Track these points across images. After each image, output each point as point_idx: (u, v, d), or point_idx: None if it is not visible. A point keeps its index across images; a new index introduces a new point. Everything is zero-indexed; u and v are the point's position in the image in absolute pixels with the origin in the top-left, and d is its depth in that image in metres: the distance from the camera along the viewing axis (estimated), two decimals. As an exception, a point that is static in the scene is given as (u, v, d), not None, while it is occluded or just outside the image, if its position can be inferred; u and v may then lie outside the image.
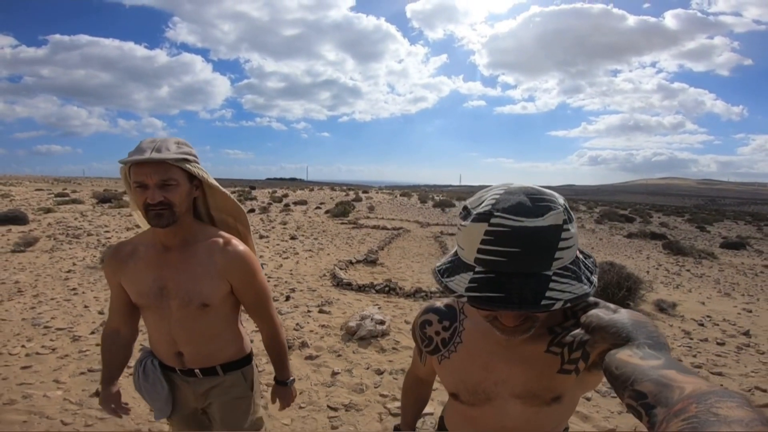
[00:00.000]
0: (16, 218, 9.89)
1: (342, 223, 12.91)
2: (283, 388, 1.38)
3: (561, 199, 0.64)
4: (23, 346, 3.13)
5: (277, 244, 8.47)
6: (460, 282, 0.63)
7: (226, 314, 1.25)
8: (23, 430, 2.15)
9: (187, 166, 1.11)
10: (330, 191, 37.09)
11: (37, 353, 3.01)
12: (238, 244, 1.21)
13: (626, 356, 0.55)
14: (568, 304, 0.59)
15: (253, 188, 36.64)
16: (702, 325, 4.48)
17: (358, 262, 6.87)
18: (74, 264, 5.90)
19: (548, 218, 0.59)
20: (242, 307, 1.30)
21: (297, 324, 3.76)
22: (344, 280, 5.27)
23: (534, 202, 0.61)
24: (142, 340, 2.57)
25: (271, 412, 2.27)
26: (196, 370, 1.25)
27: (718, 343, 3.92)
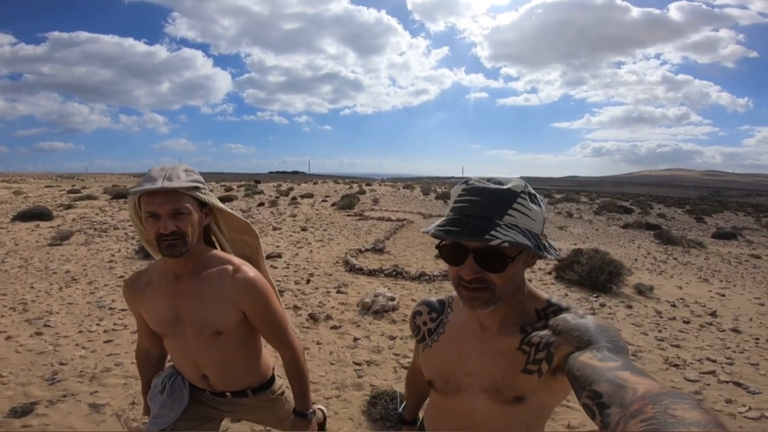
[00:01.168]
0: (42, 214, 10.52)
1: (348, 215, 13.47)
2: (303, 421, 1.28)
3: (531, 190, 0.77)
4: (98, 324, 3.72)
5: (290, 236, 9.06)
6: (432, 227, 0.75)
7: (243, 340, 1.25)
8: (127, 392, 2.77)
9: (198, 194, 1.13)
10: (334, 184, 37.68)
11: (113, 329, 3.61)
12: (249, 271, 1.20)
13: (587, 358, 0.59)
14: (506, 244, 0.67)
15: (258, 182, 37.18)
16: (674, 306, 5.05)
17: (367, 250, 7.47)
18: (113, 255, 6.51)
19: (508, 185, 0.74)
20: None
21: (320, 302, 4.39)
22: (356, 266, 5.89)
23: (505, 179, 0.76)
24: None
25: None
26: (227, 393, 1.29)
27: (684, 322, 4.48)
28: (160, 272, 1.21)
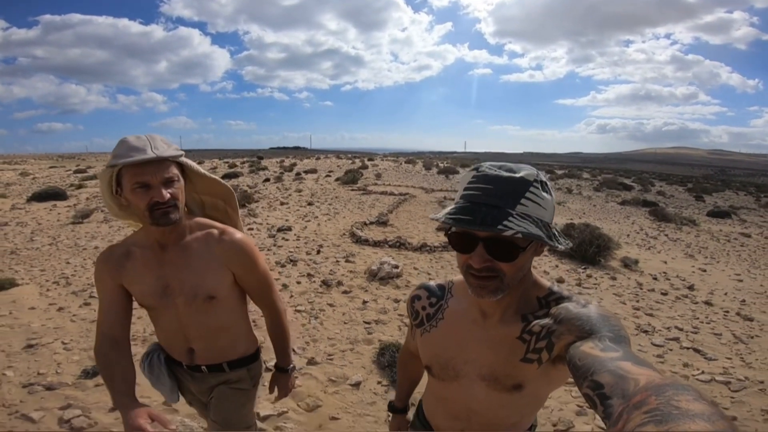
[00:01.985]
0: (57, 194, 10.89)
1: (352, 190, 13.80)
2: (284, 376, 1.40)
3: (544, 177, 0.74)
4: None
5: (297, 210, 9.45)
6: (444, 212, 0.74)
7: (234, 307, 1.26)
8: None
9: (182, 159, 1.13)
10: (336, 159, 37.81)
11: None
12: (234, 233, 1.22)
13: (588, 348, 0.59)
14: (519, 235, 0.66)
15: (261, 158, 37.31)
16: (656, 279, 5.46)
17: (372, 223, 7.86)
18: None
19: (521, 173, 0.71)
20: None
21: (330, 270, 4.82)
22: (362, 237, 6.31)
23: (518, 166, 0.73)
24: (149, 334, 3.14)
25: (323, 324, 3.28)
26: (203, 367, 1.27)
27: (662, 293, 4.88)
28: (141, 244, 1.18)
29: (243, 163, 29.17)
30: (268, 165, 26.73)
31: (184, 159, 1.13)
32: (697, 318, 4.20)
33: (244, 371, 1.31)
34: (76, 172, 21.72)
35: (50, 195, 10.75)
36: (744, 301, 4.85)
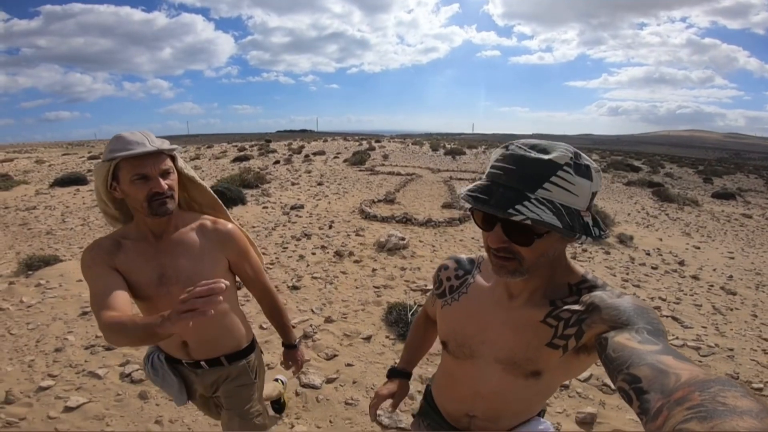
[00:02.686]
0: (78, 179, 11.21)
1: (360, 171, 14.07)
2: (293, 351, 1.50)
3: (585, 160, 0.69)
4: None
5: (308, 189, 9.79)
6: (464, 190, 0.72)
7: (228, 295, 1.26)
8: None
9: (176, 154, 1.19)
10: (343, 141, 37.95)
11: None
12: (226, 222, 1.29)
13: (624, 339, 0.57)
14: (528, 221, 0.63)
15: (269, 141, 37.56)
16: (648, 254, 5.74)
17: (379, 201, 8.20)
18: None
19: (552, 155, 0.66)
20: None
21: (342, 243, 5.21)
22: (371, 213, 6.67)
23: (552, 145, 0.68)
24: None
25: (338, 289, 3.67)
26: (202, 362, 1.29)
27: (652, 267, 5.16)
28: (133, 236, 1.20)
29: (252, 146, 29.48)
30: (276, 148, 27.02)
31: (177, 154, 1.20)
32: (682, 291, 4.48)
33: (244, 364, 1.36)
34: (90, 158, 22.20)
35: (72, 180, 11.13)
36: (731, 276, 5.11)
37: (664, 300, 4.18)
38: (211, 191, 1.33)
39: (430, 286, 1.11)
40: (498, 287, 0.84)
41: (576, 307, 0.72)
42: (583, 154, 0.70)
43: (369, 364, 2.73)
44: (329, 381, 2.53)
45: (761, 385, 2.79)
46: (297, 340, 1.51)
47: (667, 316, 3.78)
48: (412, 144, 32.48)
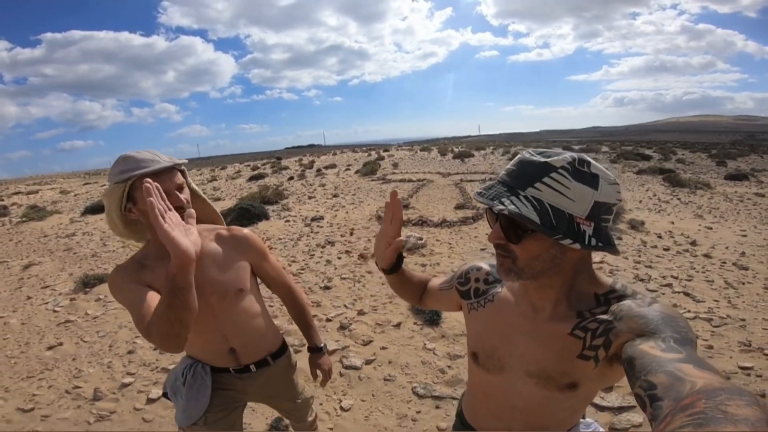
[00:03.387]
0: None
1: (372, 180, 14.41)
2: (320, 355, 1.48)
3: (591, 167, 0.70)
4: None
5: (325, 202, 10.16)
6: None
7: (257, 298, 1.33)
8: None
9: (184, 169, 1.19)
10: (352, 153, 38.52)
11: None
12: (241, 228, 1.31)
13: (648, 347, 0.56)
14: (505, 212, 0.67)
15: (280, 159, 38.36)
16: (660, 237, 5.90)
17: (395, 209, 8.53)
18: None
19: (550, 158, 0.69)
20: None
21: (364, 247, 5.54)
22: (388, 221, 6.99)
23: (555, 152, 0.71)
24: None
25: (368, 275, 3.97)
26: (251, 366, 1.31)
27: (664, 249, 5.30)
28: (155, 256, 1.17)
29: (264, 164, 30.20)
30: (288, 164, 27.65)
31: (185, 168, 1.21)
32: (694, 268, 4.61)
33: (286, 359, 1.42)
34: None
35: (101, 207, 11.72)
36: (743, 253, 5.22)
37: (675, 278, 4.31)
38: (211, 203, 1.35)
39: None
40: (523, 300, 0.84)
41: (603, 317, 0.71)
42: (597, 164, 0.71)
43: (401, 347, 3.02)
44: (368, 362, 2.83)
45: (771, 349, 2.98)
46: (323, 344, 1.50)
47: (678, 292, 3.92)
48: (421, 150, 32.83)
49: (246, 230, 1.32)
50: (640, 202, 9.00)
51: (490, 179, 0.84)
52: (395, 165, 20.44)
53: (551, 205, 0.68)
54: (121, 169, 1.09)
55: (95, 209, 11.52)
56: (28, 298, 4.68)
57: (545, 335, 0.79)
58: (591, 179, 0.69)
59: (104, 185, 23.83)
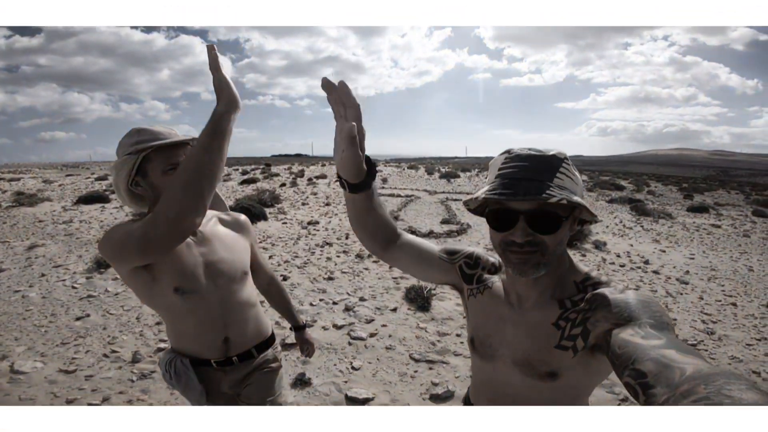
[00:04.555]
0: (101, 197, 11.99)
1: (363, 193, 15.14)
2: (304, 332, 1.57)
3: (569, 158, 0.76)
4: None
5: (318, 209, 10.77)
6: (481, 192, 0.76)
7: (253, 282, 1.36)
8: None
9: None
10: (342, 164, 39.06)
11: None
12: (238, 213, 1.36)
13: (628, 335, 0.58)
14: (564, 201, 0.68)
15: (269, 165, 38.74)
16: (618, 256, 6.73)
17: (385, 219, 9.21)
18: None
19: (552, 152, 0.75)
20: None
21: (360, 249, 6.16)
22: (380, 229, 7.67)
23: (546, 148, 0.77)
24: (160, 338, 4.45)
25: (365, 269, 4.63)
26: (234, 358, 1.27)
27: (620, 265, 6.12)
28: None
29: (253, 170, 30.58)
30: (278, 172, 28.13)
31: None
32: (642, 281, 5.44)
33: (271, 352, 1.37)
34: (97, 179, 22.73)
35: (95, 198, 11.86)
36: (688, 272, 6.08)
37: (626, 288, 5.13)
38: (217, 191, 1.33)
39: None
40: (510, 291, 0.87)
41: (581, 306, 0.73)
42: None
43: (398, 326, 3.67)
44: (371, 335, 3.46)
45: (695, 342, 3.73)
46: (305, 322, 1.62)
47: (625, 299, 4.75)
48: (408, 168, 33.77)
49: (242, 215, 1.38)
50: (607, 227, 9.89)
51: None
52: (384, 180, 21.22)
53: (572, 190, 0.74)
54: (135, 141, 1.08)
55: (88, 199, 11.65)
56: (42, 275, 4.95)
57: (531, 324, 0.82)
58: (575, 169, 0.77)
59: (88, 178, 23.63)
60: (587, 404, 0.89)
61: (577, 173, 0.77)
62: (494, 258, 0.98)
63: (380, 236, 0.98)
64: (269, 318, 1.45)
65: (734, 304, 4.76)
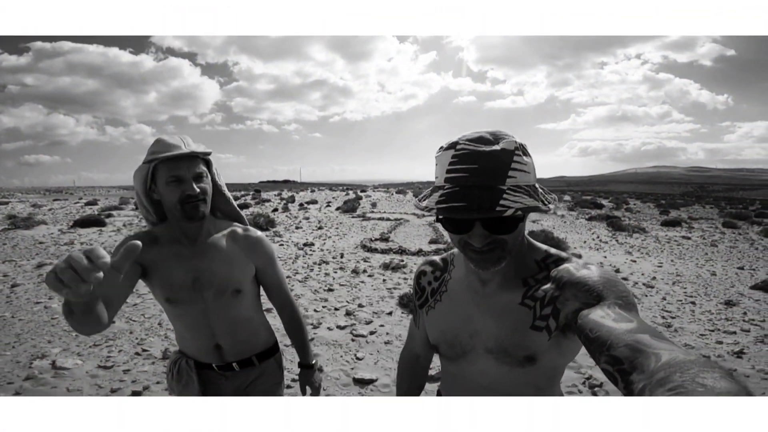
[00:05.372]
0: (98, 221, 12.28)
1: (353, 217, 15.60)
2: (310, 372, 1.43)
3: (517, 140, 0.73)
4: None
5: (311, 233, 11.23)
6: (433, 199, 0.74)
7: (254, 300, 1.33)
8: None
9: (209, 159, 1.23)
10: (330, 192, 39.95)
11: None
12: (256, 231, 1.32)
13: (599, 317, 0.57)
14: (520, 213, 0.68)
15: (259, 191, 39.17)
16: (593, 265, 7.35)
17: (376, 240, 9.71)
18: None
19: (502, 144, 0.71)
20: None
21: (355, 266, 6.66)
22: (372, 247, 8.18)
23: (494, 134, 0.72)
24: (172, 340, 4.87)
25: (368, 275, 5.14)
26: (234, 364, 1.29)
27: None
28: (168, 237, 1.23)
29: (243, 195, 30.99)
30: (268, 198, 28.62)
31: (211, 159, 1.23)
32: (613, 285, 6.08)
33: (272, 361, 1.38)
34: (87, 204, 22.82)
35: (93, 222, 12.06)
36: (654, 278, 6.67)
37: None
38: (235, 204, 1.36)
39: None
40: (471, 276, 0.86)
41: (548, 285, 0.71)
42: (515, 137, 0.74)
43: (394, 325, 4.16)
44: (371, 333, 3.94)
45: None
46: (315, 361, 1.46)
47: (596, 301, 5.33)
48: (396, 193, 34.53)
49: (260, 233, 1.32)
50: (585, 242, 10.55)
51: (439, 184, 0.75)
52: (374, 204, 21.80)
53: (526, 185, 0.72)
54: (151, 151, 1.15)
55: (84, 222, 11.86)
56: None
57: (498, 308, 0.81)
58: (526, 150, 0.74)
59: (77, 202, 23.56)
60: (559, 386, 0.89)
61: (528, 159, 0.74)
62: (436, 258, 1.00)
63: (420, 378, 1.15)
64: (274, 328, 1.46)
65: (693, 303, 5.35)
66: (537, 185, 0.76)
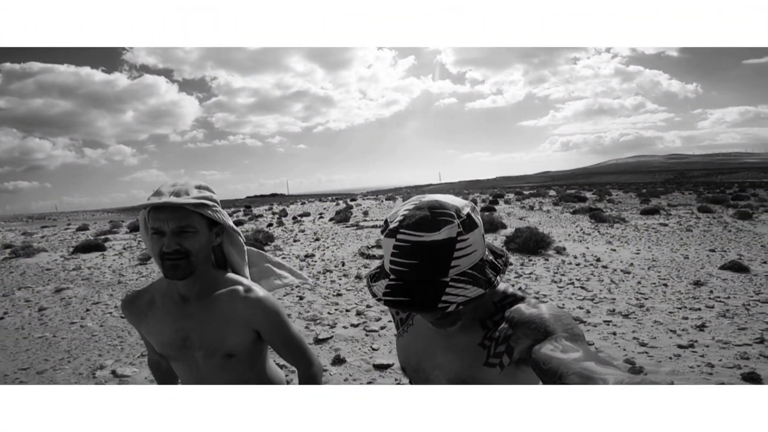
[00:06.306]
0: (98, 246, 12.47)
1: (347, 226, 16.01)
2: None
3: (464, 210, 0.73)
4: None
5: (309, 244, 11.67)
6: (380, 287, 0.75)
7: (253, 362, 1.24)
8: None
9: (208, 212, 1.09)
10: (319, 203, 40.35)
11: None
12: (259, 290, 1.19)
13: (549, 351, 0.64)
14: (461, 307, 0.70)
15: (250, 207, 39.37)
16: (575, 257, 7.93)
17: (373, 247, 10.21)
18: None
19: (443, 232, 0.70)
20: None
21: (357, 272, 7.17)
22: (370, 254, 8.68)
23: (435, 216, 0.71)
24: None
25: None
26: None
27: (576, 264, 7.32)
28: (164, 292, 1.17)
29: (233, 212, 31.18)
30: (260, 213, 28.89)
31: (210, 212, 1.10)
32: (593, 274, 6.60)
33: None
34: (78, 229, 22.76)
35: (93, 247, 12.21)
36: (632, 264, 7.30)
37: (578, 279, 6.29)
38: (245, 258, 1.28)
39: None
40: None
41: (503, 326, 0.78)
42: (459, 203, 0.75)
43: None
44: (382, 328, 4.44)
45: (627, 313, 4.84)
46: None
47: (577, 287, 5.86)
48: (386, 199, 35.08)
49: (262, 294, 1.18)
50: (569, 235, 11.20)
51: (385, 269, 0.77)
52: (365, 213, 22.27)
53: (472, 268, 0.72)
54: (149, 196, 1.09)
55: (85, 248, 12.02)
56: (87, 310, 5.64)
57: (459, 347, 0.86)
58: (471, 222, 0.73)
59: (67, 228, 23.12)
60: None
61: (472, 234, 0.73)
62: None
63: None
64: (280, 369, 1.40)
65: (665, 285, 5.95)
66: (485, 256, 0.77)
